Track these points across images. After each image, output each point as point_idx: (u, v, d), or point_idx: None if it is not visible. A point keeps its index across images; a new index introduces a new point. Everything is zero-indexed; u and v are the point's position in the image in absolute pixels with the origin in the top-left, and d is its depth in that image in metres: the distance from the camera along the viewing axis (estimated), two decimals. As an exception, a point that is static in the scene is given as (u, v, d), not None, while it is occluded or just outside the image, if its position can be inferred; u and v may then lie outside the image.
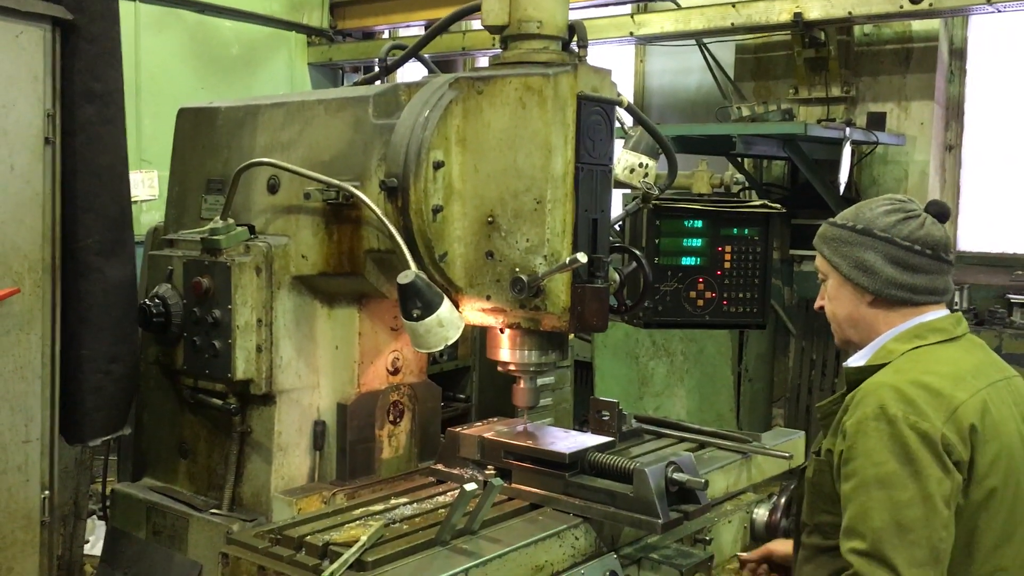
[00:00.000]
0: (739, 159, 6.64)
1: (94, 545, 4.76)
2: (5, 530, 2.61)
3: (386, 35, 9.13)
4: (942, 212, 2.35)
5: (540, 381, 2.86)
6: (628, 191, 3.65)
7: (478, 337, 5.14)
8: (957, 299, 6.17)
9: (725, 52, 7.40)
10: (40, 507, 2.70)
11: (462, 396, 5.39)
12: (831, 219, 2.44)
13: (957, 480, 2.10)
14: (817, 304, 2.51)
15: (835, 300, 2.41)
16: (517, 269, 2.51)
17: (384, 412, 2.97)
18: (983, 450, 2.14)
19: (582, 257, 2.42)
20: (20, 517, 2.65)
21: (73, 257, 2.74)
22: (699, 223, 3.41)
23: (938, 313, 2.34)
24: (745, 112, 6.54)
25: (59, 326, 2.72)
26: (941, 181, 7.06)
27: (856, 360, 2.36)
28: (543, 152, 2.47)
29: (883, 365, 2.26)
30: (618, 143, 2.89)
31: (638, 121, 3.04)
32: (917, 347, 2.27)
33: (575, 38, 2.66)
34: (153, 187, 7.28)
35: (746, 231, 3.42)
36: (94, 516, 4.97)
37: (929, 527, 2.05)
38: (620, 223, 3.36)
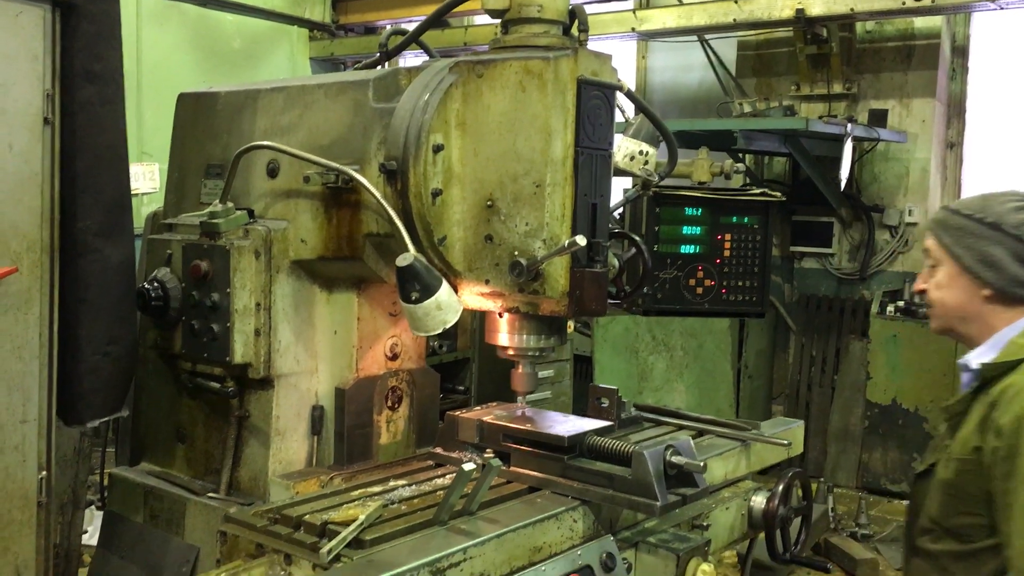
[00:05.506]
0: (740, 155, 6.64)
1: (92, 535, 4.75)
2: (2, 510, 2.61)
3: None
4: None
5: (540, 374, 2.84)
6: (630, 179, 3.65)
7: (477, 329, 5.14)
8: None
9: (727, 48, 7.40)
10: (37, 487, 2.69)
11: (461, 387, 5.40)
12: (950, 206, 2.40)
13: None
14: (918, 286, 2.48)
15: (946, 288, 2.38)
16: (516, 253, 2.50)
17: (382, 397, 2.96)
18: None
19: (581, 240, 2.41)
20: (17, 497, 2.64)
21: (72, 238, 2.73)
22: (699, 211, 3.41)
23: None
24: (747, 108, 6.55)
25: (57, 306, 2.71)
26: (942, 178, 7.06)
27: (981, 356, 2.32)
28: (543, 136, 2.47)
29: (1019, 361, 2.22)
30: (618, 134, 2.88)
31: (638, 108, 3.03)
32: None
33: (576, 23, 2.66)
34: (154, 179, 7.27)
35: (746, 219, 3.42)
36: (92, 506, 4.97)
37: None
38: (620, 210, 3.36)
